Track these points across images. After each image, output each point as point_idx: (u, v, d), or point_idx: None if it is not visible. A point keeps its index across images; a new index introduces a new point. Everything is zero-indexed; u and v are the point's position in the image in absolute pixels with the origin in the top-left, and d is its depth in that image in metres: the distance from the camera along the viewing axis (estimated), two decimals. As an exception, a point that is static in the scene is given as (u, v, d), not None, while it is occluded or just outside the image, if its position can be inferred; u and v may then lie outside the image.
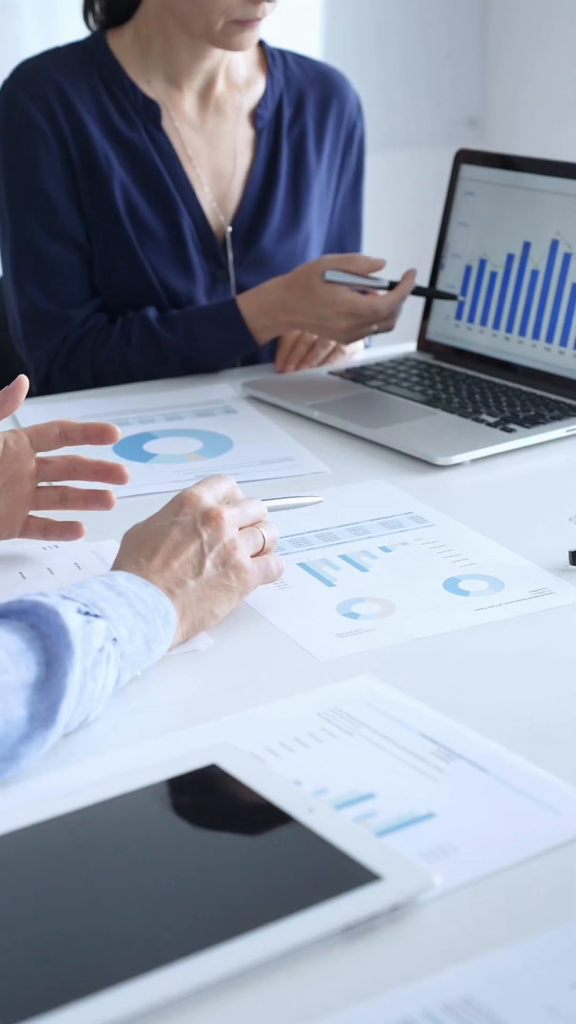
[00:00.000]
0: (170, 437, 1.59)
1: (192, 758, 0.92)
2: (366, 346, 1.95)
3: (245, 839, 0.85)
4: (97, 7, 1.85)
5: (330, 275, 1.70)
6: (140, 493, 1.42)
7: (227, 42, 1.75)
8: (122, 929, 0.76)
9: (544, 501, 1.42)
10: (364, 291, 1.73)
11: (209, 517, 1.11)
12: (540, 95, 3.71)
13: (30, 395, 1.78)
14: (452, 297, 1.77)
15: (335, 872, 0.80)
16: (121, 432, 1.58)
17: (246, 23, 1.71)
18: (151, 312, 1.80)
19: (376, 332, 1.76)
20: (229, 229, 1.86)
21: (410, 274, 1.73)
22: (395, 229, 3.51)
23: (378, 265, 1.72)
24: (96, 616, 0.99)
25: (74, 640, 0.95)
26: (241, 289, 1.87)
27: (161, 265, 1.83)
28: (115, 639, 0.99)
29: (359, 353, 1.91)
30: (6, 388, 1.21)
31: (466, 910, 0.80)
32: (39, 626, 0.96)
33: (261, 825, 0.86)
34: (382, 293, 1.72)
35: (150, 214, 1.82)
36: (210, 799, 0.89)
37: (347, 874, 0.80)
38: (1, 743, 0.90)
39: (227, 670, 1.08)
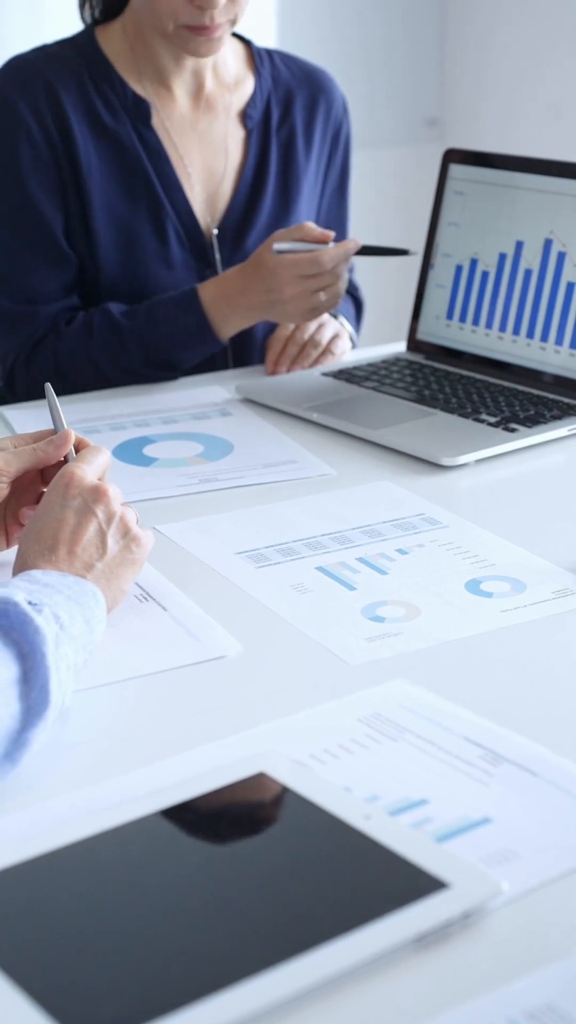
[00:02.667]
0: (169, 441, 1.58)
1: (238, 767, 0.91)
2: (354, 346, 1.94)
3: (304, 849, 0.84)
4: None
5: (278, 245, 1.70)
6: (146, 498, 1.40)
7: (183, 47, 1.73)
8: (194, 945, 0.75)
9: (552, 501, 1.42)
10: None
11: (98, 494, 1.11)
12: (499, 94, 3.73)
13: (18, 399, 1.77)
14: (403, 252, 1.74)
15: (401, 881, 0.80)
16: (119, 436, 1.59)
17: (197, 30, 1.70)
18: (115, 305, 1.78)
19: (327, 306, 1.73)
20: (215, 231, 1.85)
21: (352, 241, 1.72)
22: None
23: (327, 237, 1.71)
24: (36, 604, 0.99)
25: (40, 624, 0.96)
26: None
27: (146, 264, 1.81)
28: (61, 624, 0.99)
29: (348, 354, 1.90)
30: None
31: (535, 916, 0.79)
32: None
33: (318, 834, 0.84)
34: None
35: (134, 213, 1.80)
36: (262, 808, 0.88)
37: (414, 882, 0.79)
38: (8, 737, 0.91)
39: (257, 676, 1.07)
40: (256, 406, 1.70)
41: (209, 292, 1.75)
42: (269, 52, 1.92)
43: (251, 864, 0.82)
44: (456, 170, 1.81)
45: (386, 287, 3.41)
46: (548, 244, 1.69)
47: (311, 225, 1.72)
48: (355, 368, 1.78)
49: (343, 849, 0.83)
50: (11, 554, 1.25)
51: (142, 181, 1.80)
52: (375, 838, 0.83)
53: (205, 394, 1.75)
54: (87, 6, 1.85)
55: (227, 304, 1.74)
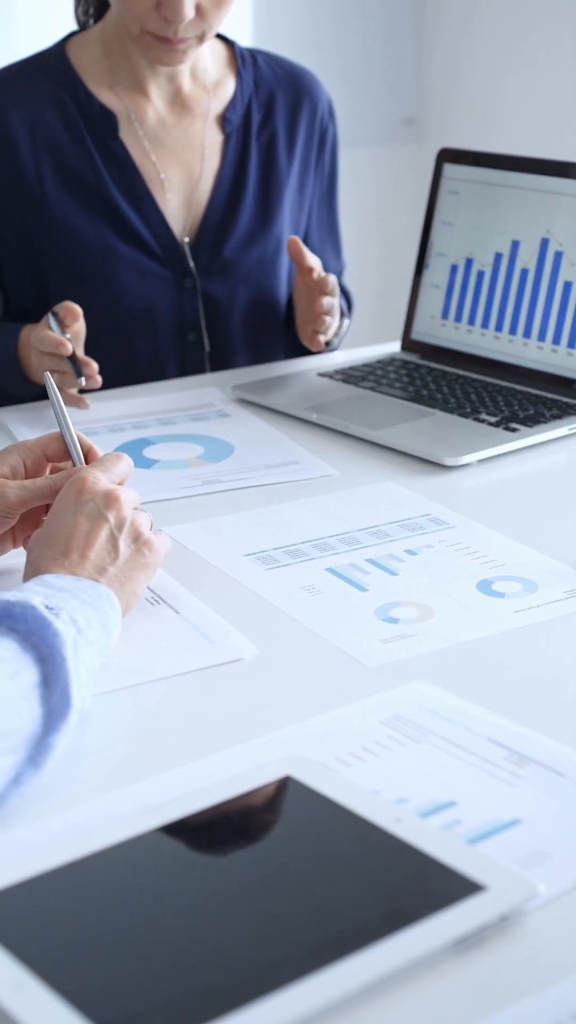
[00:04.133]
0: (169, 442, 1.57)
1: (264, 771, 0.90)
2: (331, 343, 1.91)
3: (337, 853, 0.83)
4: None
5: (48, 314, 1.63)
6: (149, 500, 1.39)
7: (147, 53, 1.72)
8: (235, 952, 0.74)
9: (556, 500, 1.42)
10: None
11: (110, 499, 1.10)
12: (476, 94, 3.73)
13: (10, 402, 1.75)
14: (78, 375, 1.58)
15: (437, 884, 0.79)
16: (117, 438, 1.58)
17: (161, 39, 1.68)
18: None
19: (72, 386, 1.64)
20: (186, 238, 1.83)
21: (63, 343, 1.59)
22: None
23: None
24: (54, 608, 0.98)
25: (59, 628, 0.95)
26: (208, 298, 1.84)
27: (119, 278, 1.78)
28: (79, 628, 0.98)
29: (343, 354, 1.90)
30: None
31: (572, 917, 0.79)
32: (17, 627, 0.95)
33: (350, 838, 0.84)
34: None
35: (99, 230, 1.77)
36: (290, 812, 0.87)
37: (450, 885, 0.79)
38: (30, 741, 0.90)
39: (274, 679, 1.06)
40: (253, 407, 1.69)
41: (24, 334, 1.71)
42: (253, 53, 1.90)
43: (284, 869, 0.82)
44: (450, 169, 1.81)
45: (379, 286, 3.42)
46: (545, 243, 1.69)
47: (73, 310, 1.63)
48: (351, 368, 1.78)
49: (376, 853, 0.82)
50: (10, 559, 1.24)
51: (104, 196, 1.78)
52: (408, 841, 0.82)
53: (201, 395, 1.74)
54: (82, 4, 1.84)
55: (27, 350, 1.68)
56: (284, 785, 0.89)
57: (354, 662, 1.08)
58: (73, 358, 1.59)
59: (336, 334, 1.89)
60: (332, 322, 1.80)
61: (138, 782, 0.91)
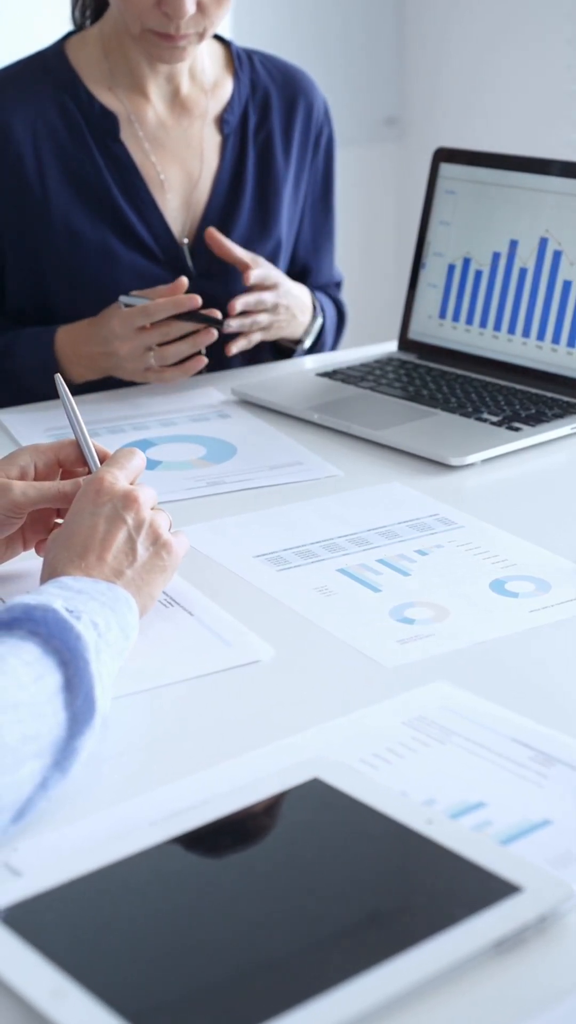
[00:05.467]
0: (171, 443, 1.57)
1: (292, 774, 0.90)
2: (303, 342, 1.90)
3: (371, 855, 0.83)
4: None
5: (124, 298, 1.66)
6: (155, 501, 1.39)
7: (148, 51, 1.71)
8: (275, 957, 0.74)
9: (561, 499, 1.42)
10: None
11: (128, 500, 1.09)
12: (457, 93, 3.74)
13: (8, 404, 1.74)
14: (218, 323, 1.66)
15: (473, 886, 0.79)
16: (118, 440, 1.57)
17: (163, 36, 1.68)
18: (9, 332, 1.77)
19: (165, 376, 1.69)
20: (185, 240, 1.82)
21: (190, 297, 1.64)
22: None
23: (179, 287, 1.66)
24: (74, 611, 0.97)
25: (81, 631, 0.94)
26: (207, 299, 1.83)
27: (119, 281, 1.77)
28: (99, 632, 0.97)
29: (340, 353, 1.90)
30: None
31: (609, 918, 0.79)
32: (38, 631, 0.95)
33: (382, 840, 0.84)
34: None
35: (101, 232, 1.77)
36: (321, 814, 0.87)
37: (486, 887, 0.79)
38: (56, 745, 0.89)
39: (292, 681, 1.06)
40: (253, 407, 1.69)
41: (63, 336, 1.72)
42: (249, 53, 1.90)
43: (319, 872, 0.81)
44: (447, 169, 1.81)
45: (360, 286, 3.42)
46: (544, 243, 1.70)
47: (164, 288, 1.68)
48: (349, 368, 1.78)
49: (410, 855, 0.82)
50: (10, 566, 1.23)
51: (104, 198, 1.78)
52: (441, 843, 0.82)
53: (200, 396, 1.73)
54: (79, 5, 1.83)
55: (73, 352, 1.71)
56: (312, 788, 0.88)
57: (372, 663, 1.08)
58: (196, 312, 1.64)
59: (306, 332, 1.88)
60: (276, 320, 1.79)
61: (163, 786, 0.91)
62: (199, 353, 1.68)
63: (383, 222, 3.89)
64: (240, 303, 1.73)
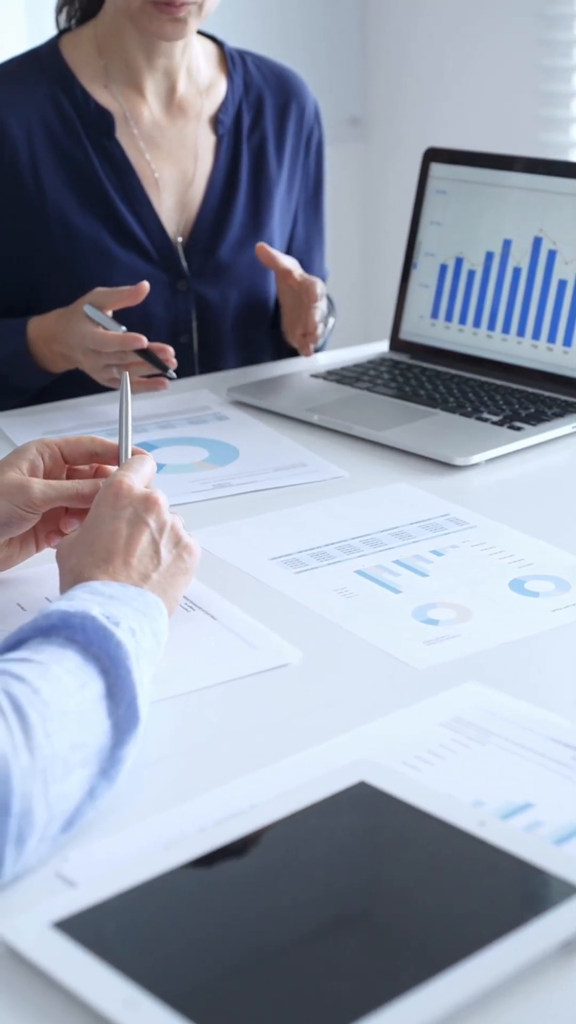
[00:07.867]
0: (172, 446, 1.56)
1: (337, 777, 0.89)
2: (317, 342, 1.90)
3: (427, 859, 0.82)
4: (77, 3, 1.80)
5: (87, 308, 1.60)
6: (163, 505, 1.38)
7: (148, 26, 1.70)
8: (343, 965, 0.73)
9: (570, 497, 1.42)
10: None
11: (149, 503, 1.09)
12: (420, 92, 3.74)
13: (12, 406, 1.73)
14: (165, 371, 1.55)
15: (533, 887, 0.79)
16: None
17: (163, 8, 1.67)
18: None
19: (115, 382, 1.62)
20: (179, 239, 1.81)
21: (135, 336, 1.55)
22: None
23: (139, 292, 1.59)
24: (112, 618, 0.96)
25: (122, 639, 0.94)
26: (200, 300, 1.82)
27: (114, 280, 1.75)
28: (136, 638, 0.96)
29: (331, 354, 1.89)
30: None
31: None
32: (76, 638, 0.93)
33: (436, 843, 0.83)
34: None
35: (96, 231, 1.76)
36: (370, 818, 0.86)
37: (546, 888, 0.78)
38: (102, 754, 0.89)
39: (323, 684, 1.05)
40: (250, 409, 1.68)
41: (34, 328, 1.69)
42: (242, 54, 1.89)
43: (378, 876, 0.81)
44: (437, 169, 1.81)
45: (366, 286, 3.41)
46: (538, 242, 1.70)
47: (122, 292, 1.60)
48: (343, 369, 1.77)
49: (466, 858, 0.82)
50: (19, 571, 1.22)
51: (101, 197, 1.77)
52: (496, 844, 0.82)
53: (196, 398, 1.73)
54: (65, 10, 1.81)
55: (44, 345, 1.68)
56: (360, 791, 0.88)
57: (401, 664, 1.07)
58: (147, 351, 1.54)
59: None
60: (324, 330, 1.79)
61: (208, 792, 0.90)
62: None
63: (348, 221, 3.89)
64: (317, 317, 1.73)
